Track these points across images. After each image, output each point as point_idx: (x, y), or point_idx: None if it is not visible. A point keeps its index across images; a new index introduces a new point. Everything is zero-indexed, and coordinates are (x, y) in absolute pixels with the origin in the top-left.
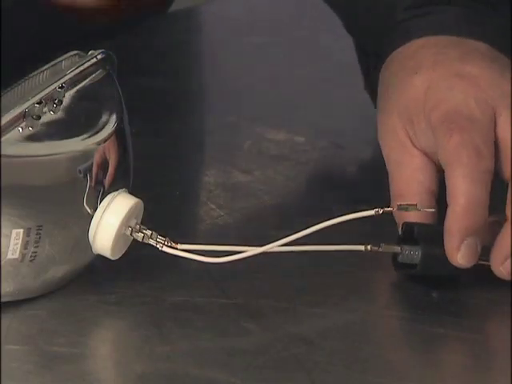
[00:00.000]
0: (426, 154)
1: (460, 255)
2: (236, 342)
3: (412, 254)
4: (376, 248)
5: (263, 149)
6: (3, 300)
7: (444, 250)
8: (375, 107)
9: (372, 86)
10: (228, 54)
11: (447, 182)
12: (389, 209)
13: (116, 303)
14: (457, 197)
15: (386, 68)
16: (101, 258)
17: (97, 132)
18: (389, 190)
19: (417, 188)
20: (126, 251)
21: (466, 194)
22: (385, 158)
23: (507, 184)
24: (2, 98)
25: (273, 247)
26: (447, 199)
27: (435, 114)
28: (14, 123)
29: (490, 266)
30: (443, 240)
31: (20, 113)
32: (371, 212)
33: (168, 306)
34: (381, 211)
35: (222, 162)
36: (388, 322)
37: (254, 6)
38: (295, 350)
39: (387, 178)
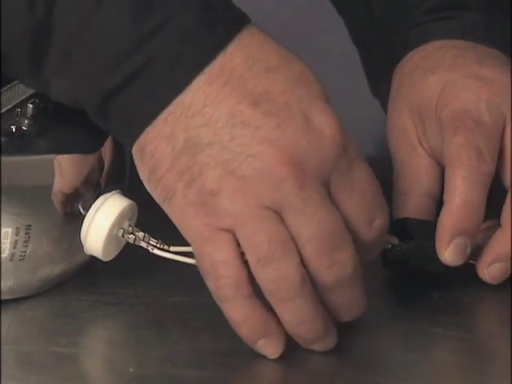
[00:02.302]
0: (432, 154)
1: (447, 253)
2: (235, 343)
3: (402, 249)
4: None
5: None
6: None
7: (434, 244)
8: (385, 111)
9: (382, 92)
10: None
11: (446, 180)
12: None
13: (115, 303)
14: (454, 196)
15: (399, 69)
16: (99, 259)
17: (92, 132)
18: (390, 189)
19: (418, 190)
20: (126, 251)
21: (462, 194)
22: (391, 155)
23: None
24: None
25: None
26: (444, 197)
27: (445, 111)
28: (7, 122)
29: None
30: (434, 233)
31: (14, 112)
32: None
33: (168, 306)
34: None
35: None
36: (388, 321)
37: (254, 6)
38: (295, 350)
39: (388, 178)
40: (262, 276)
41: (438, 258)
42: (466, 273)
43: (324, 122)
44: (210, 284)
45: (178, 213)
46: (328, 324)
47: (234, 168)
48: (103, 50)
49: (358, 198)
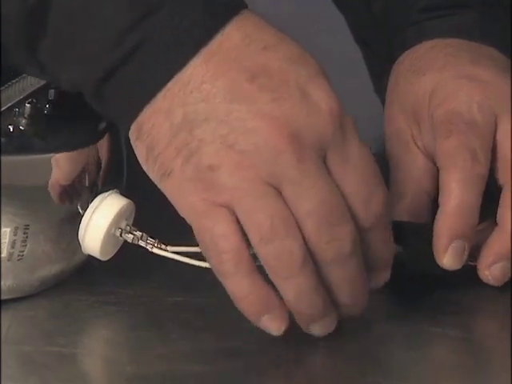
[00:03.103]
0: (427, 153)
1: (446, 257)
2: (238, 342)
3: (401, 253)
4: None
5: None
6: None
7: (431, 248)
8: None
9: (383, 90)
10: None
11: (440, 183)
12: None
13: (115, 303)
14: (448, 199)
15: (396, 68)
16: (99, 259)
17: (89, 131)
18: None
19: (414, 189)
20: (125, 251)
21: (457, 197)
22: (387, 156)
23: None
24: None
25: None
26: (439, 200)
27: (437, 112)
28: (6, 122)
29: None
30: (431, 237)
31: (12, 112)
32: None
33: (168, 306)
34: None
35: None
36: (387, 321)
37: (254, 6)
38: (295, 349)
39: (388, 177)
40: (265, 253)
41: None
42: (466, 273)
43: (321, 98)
44: (211, 260)
45: (176, 190)
46: (328, 303)
47: (232, 142)
48: (101, 29)
49: (354, 172)
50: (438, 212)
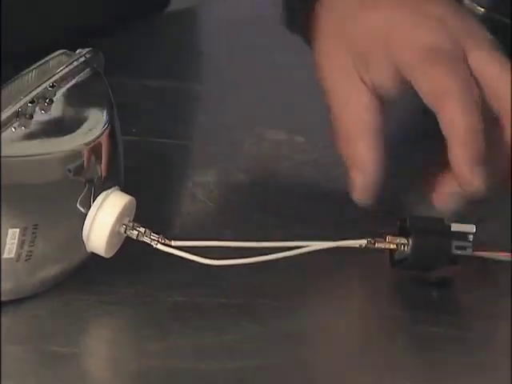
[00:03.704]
0: (374, 90)
1: (476, 180)
2: (236, 342)
3: (407, 248)
4: (380, 242)
5: (263, 149)
6: None
7: (435, 241)
8: (308, 43)
9: (300, 26)
10: (227, 54)
11: (440, 118)
12: (381, 243)
13: (116, 303)
14: (454, 128)
15: (327, 1)
16: (100, 258)
17: (88, 130)
18: (390, 189)
19: (364, 127)
20: (126, 250)
21: (462, 123)
22: (326, 93)
23: None
24: None
25: (273, 257)
26: (444, 135)
27: (406, 54)
28: (7, 123)
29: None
30: (435, 230)
31: (13, 112)
32: (363, 241)
33: (168, 306)
34: (373, 241)
35: (221, 162)
36: (388, 321)
37: (254, 7)
38: (295, 349)
39: (389, 178)
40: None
41: (440, 254)
42: (468, 272)
43: None
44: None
45: None
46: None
47: None
48: None
49: None
50: (448, 146)
